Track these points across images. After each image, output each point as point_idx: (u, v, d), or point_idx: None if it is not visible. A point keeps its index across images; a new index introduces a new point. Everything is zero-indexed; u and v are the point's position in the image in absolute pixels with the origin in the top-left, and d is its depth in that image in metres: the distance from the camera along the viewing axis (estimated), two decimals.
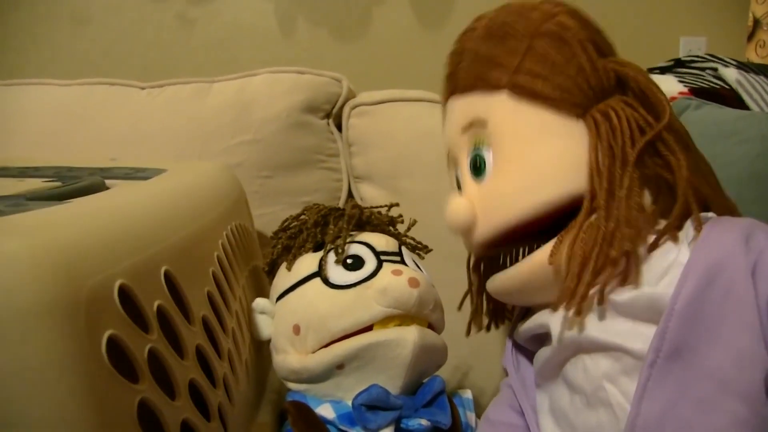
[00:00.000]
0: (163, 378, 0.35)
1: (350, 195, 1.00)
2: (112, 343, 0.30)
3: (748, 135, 0.68)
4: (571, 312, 0.44)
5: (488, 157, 0.49)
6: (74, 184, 0.50)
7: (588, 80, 0.47)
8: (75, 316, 0.28)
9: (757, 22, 1.59)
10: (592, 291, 0.44)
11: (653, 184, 0.46)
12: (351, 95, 1.01)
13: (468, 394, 0.61)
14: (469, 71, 0.51)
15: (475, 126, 0.50)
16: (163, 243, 0.40)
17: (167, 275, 0.39)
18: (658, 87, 0.48)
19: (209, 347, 0.43)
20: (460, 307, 0.62)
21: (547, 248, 0.46)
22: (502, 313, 0.61)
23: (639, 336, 0.42)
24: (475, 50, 0.51)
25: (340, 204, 0.99)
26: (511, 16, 0.50)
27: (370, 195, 0.96)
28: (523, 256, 0.54)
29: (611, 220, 0.44)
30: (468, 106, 0.51)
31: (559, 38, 0.48)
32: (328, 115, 1.00)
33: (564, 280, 0.45)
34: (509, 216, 0.47)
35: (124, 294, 0.32)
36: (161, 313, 0.36)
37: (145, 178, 0.57)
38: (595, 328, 0.44)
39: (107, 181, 0.54)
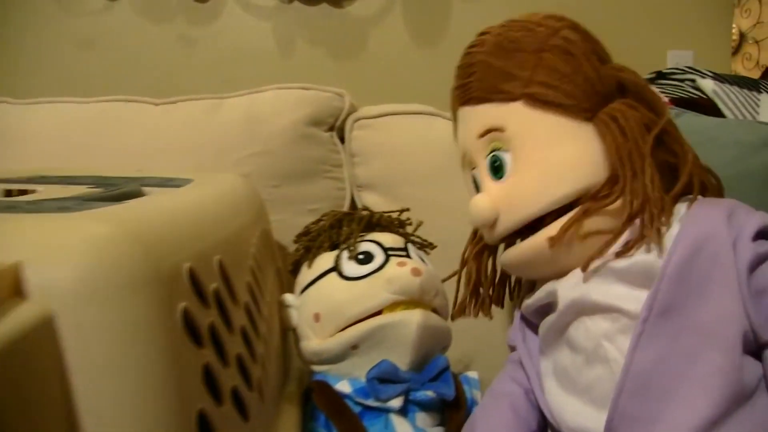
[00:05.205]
0: (217, 350, 0.40)
1: (353, 202, 1.06)
2: (183, 314, 0.35)
3: (724, 141, 0.74)
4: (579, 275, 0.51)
5: (507, 158, 0.55)
6: (116, 190, 0.55)
7: (594, 87, 0.54)
8: (159, 289, 0.33)
9: (742, 36, 1.66)
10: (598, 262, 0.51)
11: (659, 170, 0.53)
12: (353, 109, 1.07)
13: (474, 374, 0.67)
14: (482, 83, 0.57)
15: (492, 132, 0.56)
16: (215, 236, 0.46)
17: (220, 264, 0.44)
18: (652, 89, 0.55)
19: (250, 328, 0.49)
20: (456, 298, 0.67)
21: (555, 226, 0.52)
22: (501, 298, 0.66)
23: (634, 299, 0.48)
24: (486, 64, 0.57)
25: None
26: (518, 31, 0.57)
27: (372, 202, 1.02)
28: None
29: (636, 200, 0.50)
30: (484, 114, 0.57)
31: (566, 51, 0.55)
32: (331, 128, 1.06)
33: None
34: (533, 210, 0.54)
35: (191, 275, 0.37)
36: (215, 294, 0.42)
37: (177, 186, 0.62)
38: (596, 291, 0.50)
39: (144, 189, 0.60)
